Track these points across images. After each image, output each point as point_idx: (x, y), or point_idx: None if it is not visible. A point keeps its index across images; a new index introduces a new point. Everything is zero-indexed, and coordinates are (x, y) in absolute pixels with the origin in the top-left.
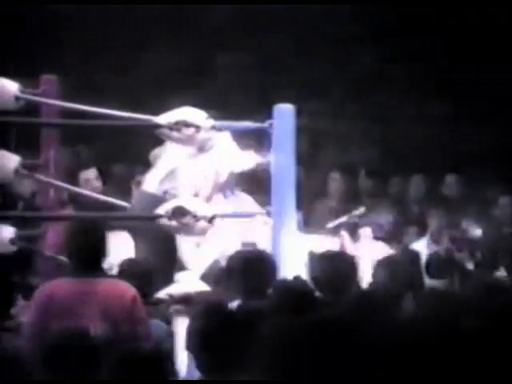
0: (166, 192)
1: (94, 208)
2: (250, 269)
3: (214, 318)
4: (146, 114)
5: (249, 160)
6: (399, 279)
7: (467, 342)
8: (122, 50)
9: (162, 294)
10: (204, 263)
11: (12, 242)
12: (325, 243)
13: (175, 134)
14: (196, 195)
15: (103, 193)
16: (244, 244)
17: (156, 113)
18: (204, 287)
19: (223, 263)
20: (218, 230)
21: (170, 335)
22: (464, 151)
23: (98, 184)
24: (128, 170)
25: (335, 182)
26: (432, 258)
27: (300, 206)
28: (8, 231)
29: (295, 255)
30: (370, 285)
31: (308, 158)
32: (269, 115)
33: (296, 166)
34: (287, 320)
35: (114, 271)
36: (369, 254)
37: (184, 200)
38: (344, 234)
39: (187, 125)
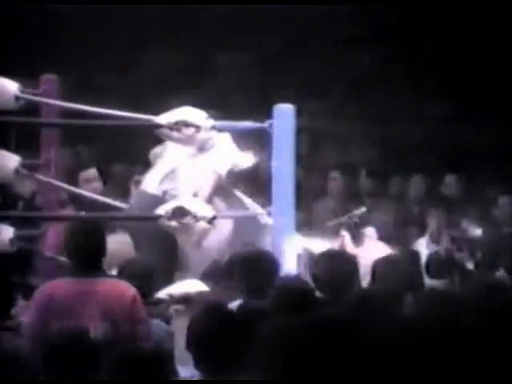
0: (165, 192)
1: (93, 208)
2: (252, 268)
3: (214, 318)
4: (146, 114)
5: (249, 160)
6: (399, 279)
7: (467, 341)
8: (122, 50)
9: (162, 294)
10: (204, 263)
11: (12, 241)
12: (325, 243)
13: (175, 133)
14: (195, 195)
15: (103, 193)
16: (244, 244)
17: (156, 113)
18: (204, 287)
19: (223, 263)
20: (218, 230)
21: (170, 335)
22: (464, 151)
23: (98, 184)
24: (128, 170)
25: (335, 182)
26: (432, 258)
27: (300, 206)
28: (8, 231)
29: (295, 255)
30: (370, 285)
31: (308, 158)
32: (269, 115)
33: (296, 166)
34: (287, 320)
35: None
36: (372, 254)
37: (184, 200)
38: (344, 233)
39: (187, 125)
